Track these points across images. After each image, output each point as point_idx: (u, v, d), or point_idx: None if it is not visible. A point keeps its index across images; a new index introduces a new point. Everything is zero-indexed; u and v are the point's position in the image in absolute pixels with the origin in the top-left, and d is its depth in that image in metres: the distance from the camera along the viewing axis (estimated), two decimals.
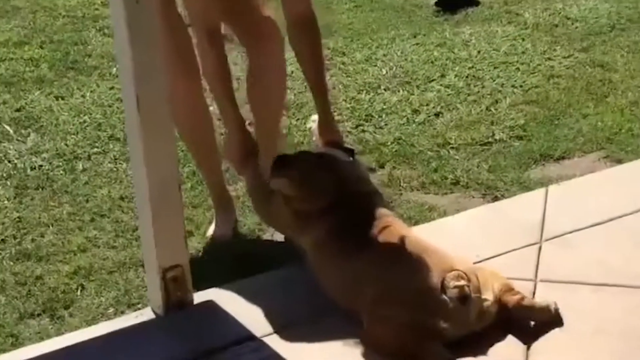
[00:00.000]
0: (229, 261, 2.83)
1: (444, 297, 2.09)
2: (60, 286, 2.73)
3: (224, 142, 2.70)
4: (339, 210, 2.33)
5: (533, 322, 2.21)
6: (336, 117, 3.75)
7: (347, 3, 5.20)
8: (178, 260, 2.44)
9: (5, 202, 3.23)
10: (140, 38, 2.20)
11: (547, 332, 2.16)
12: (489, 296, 2.17)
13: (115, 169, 3.47)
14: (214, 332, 1.54)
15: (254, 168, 2.60)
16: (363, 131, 3.67)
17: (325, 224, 2.32)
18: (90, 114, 3.95)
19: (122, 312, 2.62)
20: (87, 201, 3.23)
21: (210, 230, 2.94)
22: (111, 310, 2.64)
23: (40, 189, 3.32)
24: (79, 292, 2.71)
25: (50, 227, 3.06)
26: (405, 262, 2.19)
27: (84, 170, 3.47)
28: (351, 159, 2.57)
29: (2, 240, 2.99)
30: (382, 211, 2.37)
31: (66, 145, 3.66)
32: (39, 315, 2.62)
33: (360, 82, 4.14)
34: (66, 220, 3.10)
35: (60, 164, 3.51)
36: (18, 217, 3.12)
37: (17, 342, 2.49)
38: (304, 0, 2.59)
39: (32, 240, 2.99)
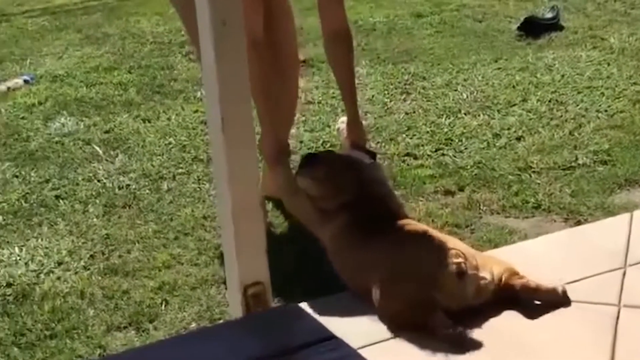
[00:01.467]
0: (307, 279, 2.88)
1: (443, 272, 2.32)
2: (145, 300, 2.81)
3: (259, 139, 2.86)
4: (354, 208, 2.61)
5: (539, 302, 2.39)
6: (415, 141, 3.82)
7: (428, 28, 5.24)
8: (259, 277, 2.49)
9: (95, 219, 3.35)
10: (226, 60, 2.27)
11: (555, 309, 2.35)
12: (486, 275, 2.37)
13: (198, 189, 3.56)
14: (293, 332, 1.58)
15: (285, 165, 2.86)
16: (443, 155, 3.68)
17: (341, 220, 2.61)
18: (175, 136, 4.07)
19: None
20: (171, 220, 3.32)
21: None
22: (193, 325, 2.71)
23: (127, 207, 3.44)
24: (163, 307, 2.79)
25: (137, 244, 3.16)
26: (409, 245, 2.47)
27: (168, 190, 3.57)
28: (372, 161, 2.82)
29: (91, 256, 3.10)
30: (393, 210, 2.66)
31: (152, 165, 3.78)
32: (125, 327, 2.70)
33: (441, 106, 4.15)
34: (152, 238, 3.20)
35: (147, 183, 3.63)
36: (106, 234, 3.23)
37: (104, 353, 2.57)
38: (340, 17, 2.91)
39: (120, 256, 3.09)
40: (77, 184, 3.64)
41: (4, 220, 3.37)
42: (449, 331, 2.24)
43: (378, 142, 3.84)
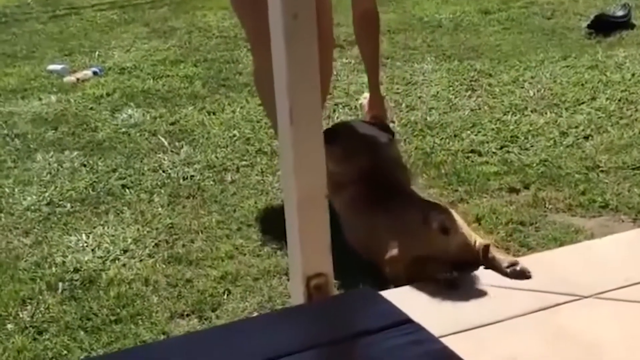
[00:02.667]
0: (369, 270, 2.87)
1: (428, 228, 2.63)
2: (208, 289, 2.84)
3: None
4: (366, 182, 2.91)
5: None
6: (480, 138, 3.78)
7: (495, 25, 5.18)
8: (322, 269, 2.49)
9: (159, 209, 3.39)
10: (297, 52, 2.27)
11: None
12: (469, 236, 2.70)
13: (262, 181, 3.59)
14: (369, 315, 1.58)
15: None
16: (508, 152, 3.63)
17: (353, 191, 2.92)
18: (240, 129, 4.10)
19: None
20: (234, 211, 3.35)
21: None
22: (255, 314, 2.72)
23: (191, 198, 3.48)
24: (225, 296, 2.81)
25: (200, 234, 3.19)
26: (401, 209, 2.78)
27: (232, 181, 3.60)
28: (389, 139, 3.07)
29: (156, 244, 3.14)
30: (401, 184, 2.99)
31: (216, 157, 3.82)
32: (188, 315, 2.74)
33: (507, 103, 4.10)
34: (215, 228, 3.23)
35: (211, 175, 3.67)
36: (171, 224, 3.27)
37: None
38: (370, 0, 3.12)
39: (183, 245, 3.12)
40: (143, 174, 3.70)
41: (72, 207, 3.44)
42: (445, 276, 2.58)
43: (442, 139, 3.81)
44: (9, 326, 2.69)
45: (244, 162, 3.75)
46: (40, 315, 2.74)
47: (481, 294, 2.50)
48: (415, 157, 3.66)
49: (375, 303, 1.75)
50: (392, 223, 2.77)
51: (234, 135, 4.03)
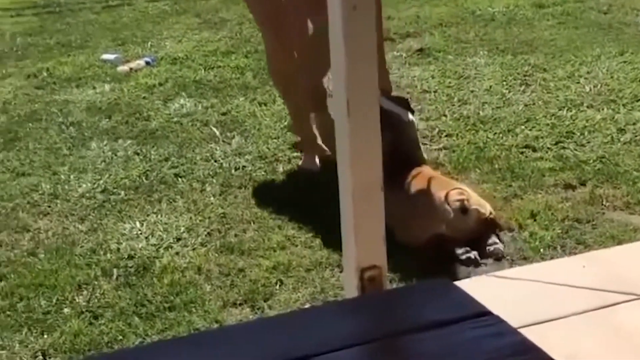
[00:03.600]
0: (424, 263, 2.86)
1: (448, 208, 2.76)
2: (260, 279, 2.85)
3: (301, 86, 3.38)
4: (389, 158, 2.90)
5: None
6: (534, 133, 3.73)
7: (549, 19, 5.12)
8: (376, 261, 2.48)
9: (212, 198, 3.42)
10: (355, 44, 2.26)
11: None
12: (484, 210, 2.82)
13: (313, 172, 3.58)
14: (445, 306, 1.57)
15: (324, 109, 3.27)
16: (563, 148, 3.58)
17: None
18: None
19: None
20: (285, 202, 3.35)
21: (302, 163, 3.57)
22: (307, 305, 2.73)
23: (243, 188, 3.49)
24: (277, 287, 2.82)
25: (252, 224, 3.20)
26: (421, 188, 2.89)
27: (283, 172, 3.61)
28: (411, 119, 3.23)
29: (208, 233, 3.16)
30: (421, 162, 3.14)
31: (268, 148, 3.83)
32: (240, 304, 2.75)
33: (562, 98, 4.04)
34: (267, 219, 3.24)
35: (262, 165, 3.68)
36: (223, 213, 3.29)
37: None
38: None
39: (235, 235, 3.14)
40: (195, 164, 3.73)
41: (126, 195, 3.48)
42: (466, 255, 2.71)
43: (495, 133, 3.77)
44: (66, 310, 2.73)
45: (295, 154, 3.76)
46: (95, 300, 2.78)
47: (540, 290, 2.47)
48: (467, 151, 3.63)
49: (451, 293, 1.73)
50: (414, 201, 2.89)
51: (285, 127, 4.04)
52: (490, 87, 4.26)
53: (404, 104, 3.27)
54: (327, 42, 3.46)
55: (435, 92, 4.27)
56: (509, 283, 2.44)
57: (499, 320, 1.50)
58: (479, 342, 1.44)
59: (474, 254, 2.73)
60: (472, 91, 4.24)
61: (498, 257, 2.79)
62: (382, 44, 3.37)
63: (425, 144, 3.74)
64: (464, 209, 2.78)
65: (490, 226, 2.83)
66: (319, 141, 3.55)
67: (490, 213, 2.84)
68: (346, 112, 2.32)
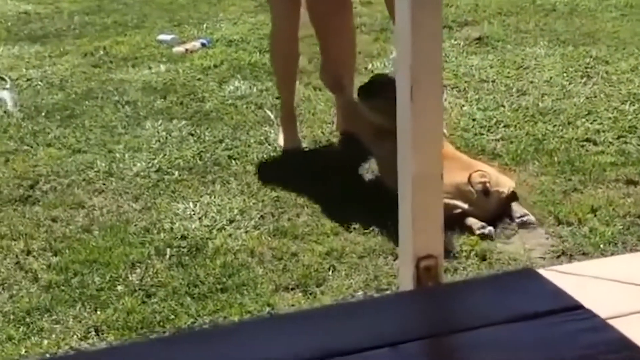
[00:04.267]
0: (475, 259, 2.82)
1: (471, 189, 2.94)
2: (313, 265, 2.84)
3: (321, 69, 3.60)
4: None
5: None
6: (595, 127, 3.65)
7: (612, 11, 5.00)
8: (433, 251, 2.44)
9: (266, 182, 3.40)
10: (421, 29, 2.22)
11: None
12: (504, 190, 2.98)
13: (367, 159, 3.55)
14: (532, 297, 1.53)
15: (344, 90, 3.51)
16: (626, 143, 3.50)
17: (391, 144, 3.04)
18: None
19: (371, 296, 2.67)
20: (339, 186, 3.33)
21: (280, 141, 3.65)
22: (360, 293, 2.70)
23: (297, 171, 3.47)
24: (330, 272, 2.80)
25: (305, 209, 3.18)
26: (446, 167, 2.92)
27: (339, 158, 3.58)
28: None
29: (262, 216, 3.15)
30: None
31: (322, 133, 3.80)
32: (292, 289, 2.74)
33: (625, 92, 3.94)
34: (321, 203, 3.21)
35: (316, 149, 3.65)
36: (276, 197, 3.27)
37: (273, 311, 2.61)
38: None
39: (289, 219, 3.12)
40: (249, 146, 3.72)
41: (180, 175, 3.48)
42: (482, 230, 2.87)
43: (555, 126, 3.70)
44: (119, 288, 2.74)
45: (350, 139, 3.72)
46: (148, 279, 2.79)
47: (603, 286, 2.39)
48: (526, 143, 3.56)
49: (539, 284, 1.68)
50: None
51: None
52: (551, 78, 4.18)
53: None
54: (343, 26, 3.65)
55: (493, 81, 4.20)
56: (570, 278, 2.38)
57: (592, 315, 1.44)
58: (572, 337, 1.39)
59: (489, 230, 2.89)
60: (531, 82, 4.16)
61: (532, 227, 2.94)
62: None
63: (483, 134, 3.68)
64: (486, 191, 2.96)
65: (510, 201, 3.00)
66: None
67: (510, 190, 3.01)
68: (409, 98, 2.28)
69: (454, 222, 2.88)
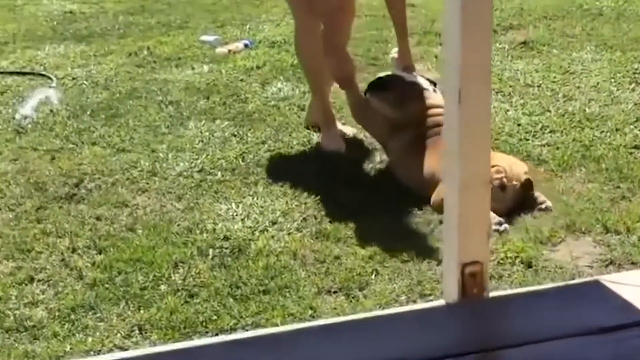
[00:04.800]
0: (521, 266, 2.78)
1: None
2: (356, 268, 2.82)
3: (329, 65, 3.60)
4: (419, 126, 3.30)
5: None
6: None
7: None
8: (478, 257, 2.41)
9: (308, 184, 3.39)
10: (471, 33, 2.20)
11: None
12: (517, 181, 3.05)
13: None
14: (599, 310, 1.49)
15: (354, 86, 3.54)
16: None
17: (407, 135, 3.31)
18: None
19: (414, 301, 2.65)
20: (382, 190, 3.31)
21: (321, 141, 3.68)
22: (403, 297, 2.68)
23: (339, 174, 3.46)
24: (373, 276, 2.78)
25: (348, 212, 3.16)
26: None
27: (381, 161, 3.56)
28: (434, 88, 3.45)
29: (304, 219, 3.14)
30: None
31: (365, 136, 3.78)
32: (335, 292, 2.72)
33: None
34: (364, 207, 3.19)
35: (359, 153, 3.64)
36: (319, 199, 3.26)
37: (315, 314, 2.60)
38: None
39: (331, 222, 3.11)
40: (292, 148, 3.71)
41: (223, 176, 3.49)
42: (497, 227, 2.91)
43: (602, 132, 3.64)
44: (162, 287, 2.75)
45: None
46: (191, 279, 2.79)
47: None
48: (572, 149, 3.51)
49: (606, 296, 1.63)
50: None
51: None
52: (598, 83, 4.12)
53: (430, 80, 3.54)
54: (348, 24, 3.72)
55: (539, 86, 4.15)
56: (622, 288, 2.33)
57: None
58: None
59: (504, 227, 2.95)
60: (578, 87, 4.11)
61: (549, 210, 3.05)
62: (405, 23, 3.66)
63: (528, 139, 3.64)
64: (502, 187, 3.02)
65: (526, 190, 3.08)
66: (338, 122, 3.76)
67: (524, 179, 3.08)
68: (457, 101, 2.26)
69: None
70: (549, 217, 3.05)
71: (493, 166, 2.99)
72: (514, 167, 3.12)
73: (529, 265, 2.77)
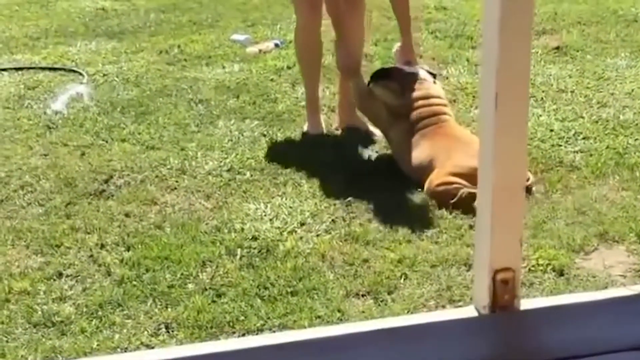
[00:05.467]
0: (552, 273, 2.74)
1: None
2: (384, 272, 2.79)
3: (337, 57, 3.81)
4: (419, 113, 3.46)
5: None
6: None
7: None
8: (511, 264, 2.36)
9: (337, 185, 3.37)
10: (511, 34, 2.16)
11: None
12: None
13: None
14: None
15: (359, 76, 3.70)
16: None
17: (409, 122, 3.46)
18: None
19: (443, 307, 2.62)
20: (411, 194, 3.28)
21: (305, 127, 3.85)
22: (432, 302, 2.65)
23: (368, 177, 3.43)
24: (402, 280, 2.75)
25: (378, 215, 3.14)
26: (460, 150, 3.26)
27: None
28: (434, 80, 3.63)
29: (333, 220, 3.12)
30: (446, 116, 3.51)
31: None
32: (363, 295, 2.70)
33: None
34: (393, 210, 3.17)
35: (389, 156, 3.61)
36: (348, 201, 3.23)
37: (343, 317, 2.58)
38: None
39: (360, 224, 3.09)
40: (322, 149, 3.69)
41: (252, 176, 3.47)
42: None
43: (637, 139, 3.58)
44: (190, 286, 2.74)
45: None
46: (219, 278, 2.78)
47: None
48: (606, 156, 3.46)
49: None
50: (453, 161, 3.26)
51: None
52: (632, 90, 4.06)
53: (430, 72, 3.71)
54: (357, 22, 3.81)
55: (572, 92, 4.10)
56: None
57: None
58: None
59: None
60: (612, 94, 4.05)
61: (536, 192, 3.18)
62: (408, 18, 3.77)
63: (561, 145, 3.59)
64: None
65: None
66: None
67: None
68: (494, 106, 2.22)
69: (466, 203, 3.04)
70: (582, 224, 3.00)
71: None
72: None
73: (561, 273, 2.73)
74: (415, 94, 3.51)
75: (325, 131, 3.86)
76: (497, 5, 2.15)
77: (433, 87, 3.59)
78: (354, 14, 3.87)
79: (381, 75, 3.64)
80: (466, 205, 3.03)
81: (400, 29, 3.80)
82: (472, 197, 2.97)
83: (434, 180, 3.22)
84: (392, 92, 3.53)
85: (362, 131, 3.82)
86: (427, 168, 3.28)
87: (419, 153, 3.36)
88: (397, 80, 3.55)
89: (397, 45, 3.85)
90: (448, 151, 3.29)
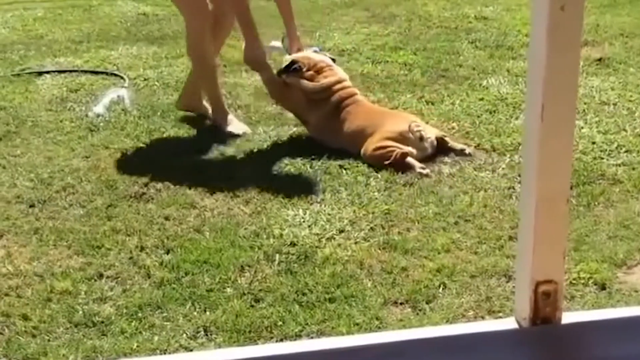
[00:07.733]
0: (594, 287, 2.71)
1: (411, 136, 3.62)
2: (423, 281, 2.78)
3: (244, 52, 3.98)
4: (340, 95, 3.84)
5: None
6: None
7: None
8: (553, 276, 2.32)
9: (376, 193, 3.37)
10: (559, 47, 2.14)
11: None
12: (432, 135, 3.66)
13: (476, 177, 3.49)
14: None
15: (267, 67, 3.97)
16: None
17: (326, 106, 3.81)
18: (459, 122, 4.01)
19: (482, 317, 2.60)
20: (451, 204, 3.27)
21: (229, 128, 3.95)
22: (471, 313, 2.64)
23: (408, 186, 3.43)
24: (440, 290, 2.74)
25: (416, 224, 3.14)
26: (388, 118, 3.77)
27: (449, 174, 3.52)
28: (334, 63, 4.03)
29: (371, 228, 3.12)
30: (359, 96, 3.94)
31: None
32: (401, 304, 2.69)
33: None
34: (432, 219, 3.16)
35: (428, 165, 3.60)
36: (387, 210, 3.24)
37: (381, 325, 2.57)
38: None
39: (399, 233, 3.08)
40: (360, 157, 3.69)
41: (291, 182, 3.48)
42: (421, 170, 3.47)
43: None
44: (228, 290, 2.75)
45: (458, 158, 3.65)
46: (257, 283, 2.79)
47: None
48: None
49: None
50: (382, 126, 3.67)
51: (453, 128, 3.95)
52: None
53: (330, 58, 4.08)
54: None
55: (614, 104, 4.06)
56: None
57: None
58: None
59: (427, 171, 3.48)
60: None
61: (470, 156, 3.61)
62: (292, 15, 4.12)
63: (603, 158, 3.56)
64: (422, 137, 3.60)
65: (440, 144, 3.64)
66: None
67: (438, 135, 3.67)
68: (540, 118, 2.21)
69: (399, 163, 3.48)
70: (625, 238, 2.97)
71: (414, 121, 3.67)
72: (427, 127, 3.72)
73: (603, 287, 2.70)
74: (330, 79, 3.86)
75: (249, 129, 3.96)
76: (545, 14, 2.15)
77: (340, 71, 3.98)
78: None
79: (292, 65, 3.88)
80: (400, 164, 3.48)
81: (285, 22, 4.11)
82: (404, 156, 3.50)
83: (370, 145, 3.60)
84: (308, 79, 3.83)
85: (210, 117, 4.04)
86: (360, 137, 3.65)
87: (350, 125, 3.74)
88: (310, 68, 3.86)
89: (273, 42, 4.21)
90: (378, 120, 3.71)
